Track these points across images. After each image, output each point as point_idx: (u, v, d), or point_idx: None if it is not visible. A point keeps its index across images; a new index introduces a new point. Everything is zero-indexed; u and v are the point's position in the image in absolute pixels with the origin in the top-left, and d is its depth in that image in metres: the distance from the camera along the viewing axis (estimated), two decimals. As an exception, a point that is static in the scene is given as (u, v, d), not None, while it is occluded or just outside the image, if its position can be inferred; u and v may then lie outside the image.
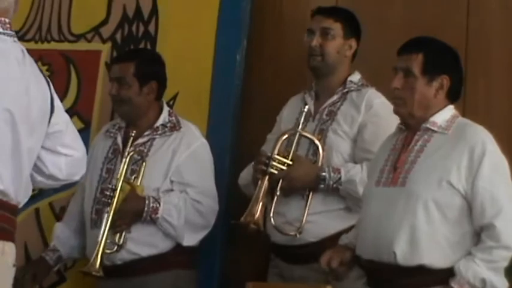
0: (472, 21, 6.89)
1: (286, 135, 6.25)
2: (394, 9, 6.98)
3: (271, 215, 6.21)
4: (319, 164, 6.22)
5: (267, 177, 6.16)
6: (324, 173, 6.15)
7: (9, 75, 4.92)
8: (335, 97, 6.35)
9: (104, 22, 7.06)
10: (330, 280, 5.69)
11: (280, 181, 6.16)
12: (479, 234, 5.38)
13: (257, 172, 6.22)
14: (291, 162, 6.20)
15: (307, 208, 6.23)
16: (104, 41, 7.07)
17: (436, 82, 5.53)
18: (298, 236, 6.19)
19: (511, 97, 6.75)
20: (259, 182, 6.19)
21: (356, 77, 6.38)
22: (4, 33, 5.00)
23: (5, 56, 4.96)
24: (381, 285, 5.56)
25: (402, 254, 5.37)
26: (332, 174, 6.21)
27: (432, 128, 5.49)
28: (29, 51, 5.26)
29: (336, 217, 6.24)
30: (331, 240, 5.97)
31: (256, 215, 6.22)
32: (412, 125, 5.54)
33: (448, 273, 5.37)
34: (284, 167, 6.22)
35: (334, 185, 6.15)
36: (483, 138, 5.44)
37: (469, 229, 5.41)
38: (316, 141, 6.26)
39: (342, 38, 6.38)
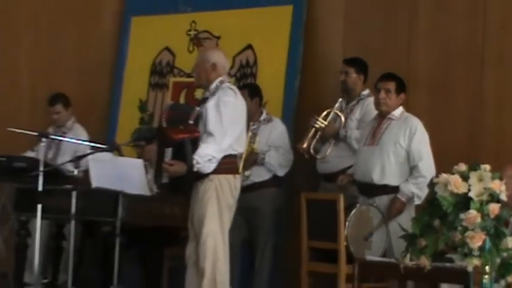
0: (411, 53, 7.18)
1: (327, 111, 6.68)
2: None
3: (312, 147, 6.63)
4: (341, 126, 6.66)
5: (313, 129, 6.67)
6: (342, 132, 6.66)
7: None
8: (353, 102, 6.76)
9: (231, 68, 7.22)
10: (342, 190, 6.19)
11: (319, 132, 6.69)
12: (412, 169, 6.04)
13: (309, 125, 6.67)
14: (326, 124, 6.66)
15: (330, 147, 6.68)
16: (231, 76, 7.31)
17: (400, 98, 6.19)
18: (318, 157, 6.68)
19: (429, 104, 6.99)
20: (310, 131, 6.66)
21: (366, 91, 6.72)
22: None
23: None
24: (366, 193, 6.13)
25: (376, 178, 6.06)
26: (344, 133, 6.66)
27: (392, 117, 6.16)
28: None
29: (345, 159, 6.62)
30: (344, 171, 6.50)
31: (304, 145, 6.64)
32: (384, 115, 6.17)
33: (397, 189, 6.02)
34: (323, 125, 6.65)
35: (345, 137, 6.64)
36: (416, 123, 6.10)
37: (407, 167, 6.05)
38: (342, 116, 6.68)
39: (356, 75, 6.75)
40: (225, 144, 5.62)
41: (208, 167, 5.55)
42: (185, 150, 5.56)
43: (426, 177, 5.79)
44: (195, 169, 5.54)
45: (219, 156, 5.59)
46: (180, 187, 5.70)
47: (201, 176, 5.64)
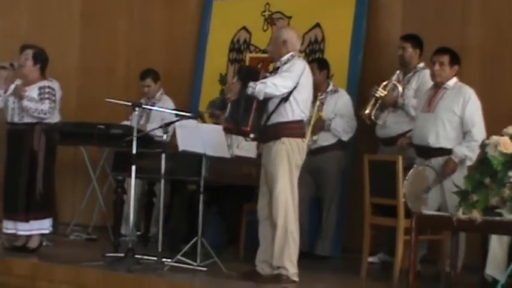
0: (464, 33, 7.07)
1: (386, 82, 6.62)
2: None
3: (373, 114, 6.61)
4: (399, 95, 6.59)
5: (374, 98, 6.63)
6: (400, 100, 6.60)
7: None
8: (410, 74, 6.68)
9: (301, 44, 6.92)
10: (401, 152, 6.15)
11: (379, 100, 6.65)
12: (465, 134, 6.00)
13: (370, 94, 6.64)
14: (386, 93, 6.61)
15: (389, 114, 6.63)
16: (301, 52, 7.04)
17: (453, 69, 6.09)
18: (380, 123, 6.60)
19: (481, 74, 6.90)
20: (371, 99, 6.62)
21: (421, 64, 6.66)
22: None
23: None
24: (422, 155, 6.09)
25: (432, 141, 6.02)
26: (401, 101, 6.60)
27: (447, 87, 6.08)
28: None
29: (402, 125, 6.60)
30: (403, 135, 6.45)
31: (367, 111, 6.62)
32: (439, 85, 6.10)
33: (451, 151, 5.98)
34: (383, 94, 6.60)
35: (402, 105, 6.60)
36: (470, 92, 6.04)
37: (461, 132, 6.02)
38: (399, 86, 6.61)
39: (412, 49, 6.70)
40: (288, 83, 5.56)
41: (261, 90, 5.50)
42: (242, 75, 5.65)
43: (478, 141, 5.57)
44: (249, 92, 5.52)
45: (278, 84, 5.53)
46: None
47: (271, 137, 5.65)
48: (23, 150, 6.49)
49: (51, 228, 6.60)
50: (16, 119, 6.55)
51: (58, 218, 7.67)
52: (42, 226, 6.51)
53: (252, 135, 5.70)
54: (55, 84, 6.86)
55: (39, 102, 6.45)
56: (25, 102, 6.43)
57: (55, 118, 6.82)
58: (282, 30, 6.04)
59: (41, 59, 6.59)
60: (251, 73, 5.76)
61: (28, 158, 6.46)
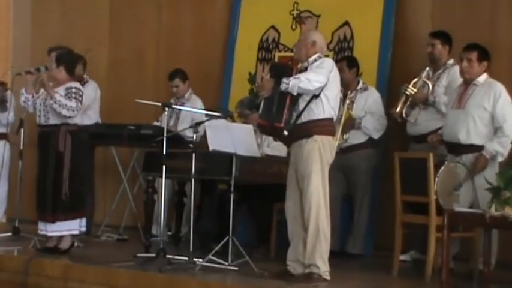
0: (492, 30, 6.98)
1: (417, 79, 6.60)
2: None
3: (404, 111, 6.58)
4: (429, 93, 6.57)
5: (404, 96, 6.62)
6: (430, 98, 6.59)
7: None
8: (440, 71, 6.66)
9: (329, 43, 7.41)
10: (432, 149, 6.14)
11: (410, 98, 6.62)
12: (496, 130, 5.96)
13: (400, 93, 6.62)
14: (416, 91, 6.59)
15: (420, 111, 6.60)
16: (329, 50, 7.46)
17: (482, 65, 6.05)
18: (412, 121, 6.57)
19: (511, 72, 6.82)
20: (401, 97, 6.61)
21: (451, 61, 6.65)
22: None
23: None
24: (453, 152, 6.07)
25: (463, 138, 5.99)
26: (432, 98, 6.58)
27: (477, 83, 6.04)
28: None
29: (433, 122, 6.57)
30: (434, 132, 6.41)
31: (397, 110, 6.61)
32: (468, 82, 6.08)
33: (482, 148, 5.93)
34: (413, 92, 6.58)
35: (433, 102, 6.57)
36: (500, 88, 6.01)
37: (492, 128, 5.97)
38: (429, 83, 6.59)
39: (441, 46, 6.69)
40: (321, 78, 5.60)
41: (295, 85, 5.56)
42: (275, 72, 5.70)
43: (509, 137, 5.79)
44: (283, 87, 5.56)
45: (312, 78, 5.59)
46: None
47: (302, 135, 5.67)
48: (49, 151, 6.49)
49: (82, 229, 6.61)
50: (42, 121, 6.57)
51: (93, 218, 7.72)
52: (71, 227, 6.50)
53: (285, 132, 5.70)
54: (90, 85, 6.91)
55: (67, 99, 6.44)
56: (58, 97, 6.38)
57: (87, 119, 6.84)
58: (311, 32, 6.11)
59: (65, 60, 6.54)
60: (284, 70, 5.83)
61: (54, 160, 6.46)
